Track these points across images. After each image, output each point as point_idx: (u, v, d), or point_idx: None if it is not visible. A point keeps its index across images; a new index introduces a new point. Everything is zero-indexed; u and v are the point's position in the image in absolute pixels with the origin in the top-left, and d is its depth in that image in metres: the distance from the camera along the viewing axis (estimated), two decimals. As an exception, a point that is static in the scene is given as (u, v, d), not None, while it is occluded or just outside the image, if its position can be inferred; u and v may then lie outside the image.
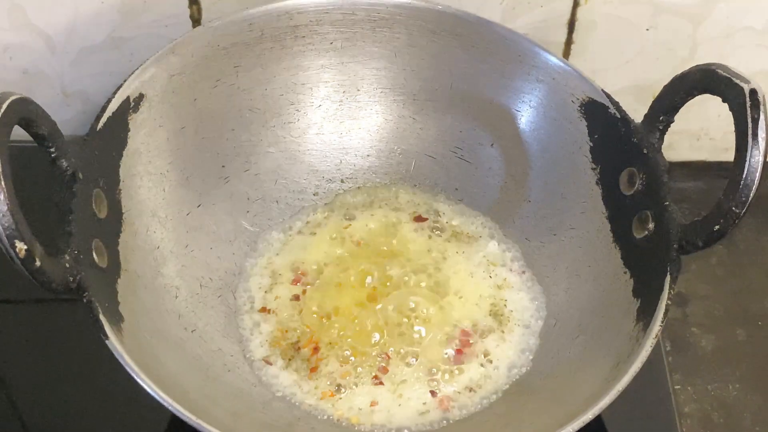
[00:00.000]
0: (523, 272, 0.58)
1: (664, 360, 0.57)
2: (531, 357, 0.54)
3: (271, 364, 0.53)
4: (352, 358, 0.53)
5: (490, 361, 0.54)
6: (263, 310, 0.56)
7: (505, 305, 0.56)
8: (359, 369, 0.53)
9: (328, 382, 0.52)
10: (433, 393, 0.52)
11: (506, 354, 0.54)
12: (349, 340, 0.54)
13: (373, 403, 0.52)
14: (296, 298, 0.56)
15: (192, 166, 0.56)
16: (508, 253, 0.58)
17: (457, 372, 0.53)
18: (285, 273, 0.57)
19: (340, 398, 0.52)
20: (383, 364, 0.53)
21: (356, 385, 0.52)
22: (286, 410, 0.51)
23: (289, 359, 0.53)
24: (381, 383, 0.52)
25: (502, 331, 0.55)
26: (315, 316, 0.55)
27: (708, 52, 0.63)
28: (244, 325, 0.55)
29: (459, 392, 0.52)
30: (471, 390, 0.52)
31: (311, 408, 0.51)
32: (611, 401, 0.43)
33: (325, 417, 0.51)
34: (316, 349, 0.53)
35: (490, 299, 0.56)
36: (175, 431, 0.52)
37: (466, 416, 0.51)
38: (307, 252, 0.58)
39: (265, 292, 0.56)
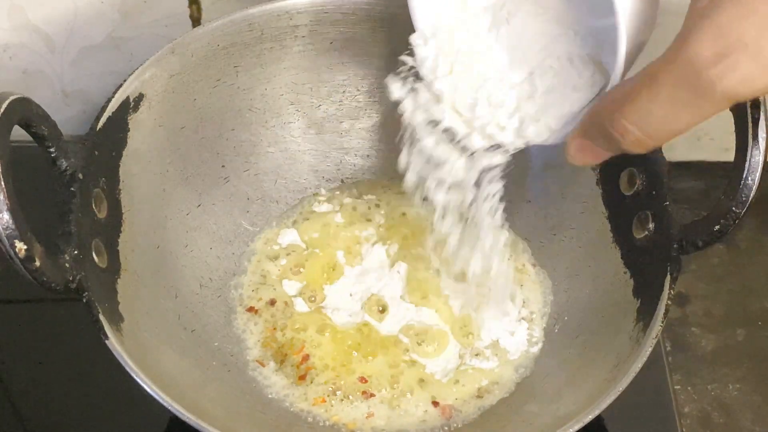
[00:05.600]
0: (534, 265, 0.57)
1: (664, 360, 0.57)
2: (535, 356, 0.54)
3: (263, 365, 0.53)
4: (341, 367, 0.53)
5: (498, 360, 0.53)
6: (251, 309, 0.55)
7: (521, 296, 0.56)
8: (348, 378, 0.52)
9: (319, 391, 0.52)
10: (435, 403, 0.51)
11: (516, 348, 0.54)
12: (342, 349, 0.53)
13: (369, 415, 0.51)
14: (274, 302, 0.56)
15: (192, 165, 0.56)
16: (519, 244, 0.58)
17: (461, 378, 0.52)
18: (273, 273, 0.57)
19: (332, 405, 0.51)
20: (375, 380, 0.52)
21: (348, 397, 0.51)
22: (285, 411, 0.51)
23: (281, 362, 0.53)
24: (373, 395, 0.51)
25: (513, 326, 0.55)
26: (299, 325, 0.55)
27: (708, 52, 0.62)
28: (237, 324, 0.55)
29: (465, 401, 0.52)
30: (479, 398, 0.52)
31: (303, 412, 0.51)
32: (611, 401, 0.43)
33: (322, 422, 0.51)
34: (305, 357, 0.53)
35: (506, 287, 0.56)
36: (174, 431, 0.52)
37: (471, 421, 0.51)
38: (304, 251, 0.58)
39: (252, 290, 0.56)
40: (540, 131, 0.45)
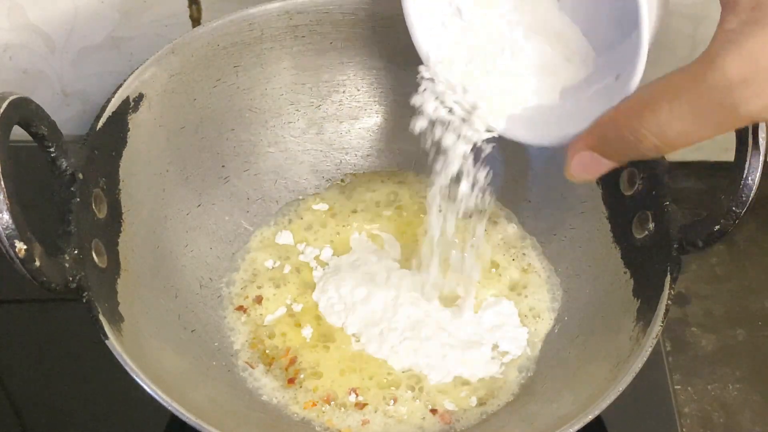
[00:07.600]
0: (541, 262, 0.57)
1: (664, 360, 0.57)
2: (536, 357, 0.53)
3: (253, 367, 0.53)
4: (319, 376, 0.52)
5: (499, 365, 0.53)
6: (240, 308, 0.55)
7: (525, 293, 0.56)
8: (337, 388, 0.51)
9: (309, 396, 0.51)
10: (433, 411, 0.51)
11: (518, 351, 0.53)
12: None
13: (364, 422, 0.51)
14: (261, 300, 0.56)
15: (192, 165, 0.56)
16: (528, 240, 0.58)
17: (460, 385, 0.52)
18: (262, 273, 0.57)
19: (324, 411, 0.51)
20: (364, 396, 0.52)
21: (340, 408, 0.51)
22: (280, 413, 0.51)
23: (269, 364, 0.53)
24: (366, 404, 0.51)
25: (517, 325, 0.54)
26: (288, 324, 0.54)
27: (708, 52, 0.62)
28: (227, 323, 0.55)
29: (465, 410, 0.51)
30: (482, 405, 0.51)
31: (296, 416, 0.51)
32: (611, 401, 0.43)
33: (317, 426, 0.50)
34: (293, 360, 0.52)
35: (510, 282, 0.56)
36: (174, 431, 0.52)
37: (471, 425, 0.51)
38: (296, 255, 0.58)
39: (241, 288, 0.56)
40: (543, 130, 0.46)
